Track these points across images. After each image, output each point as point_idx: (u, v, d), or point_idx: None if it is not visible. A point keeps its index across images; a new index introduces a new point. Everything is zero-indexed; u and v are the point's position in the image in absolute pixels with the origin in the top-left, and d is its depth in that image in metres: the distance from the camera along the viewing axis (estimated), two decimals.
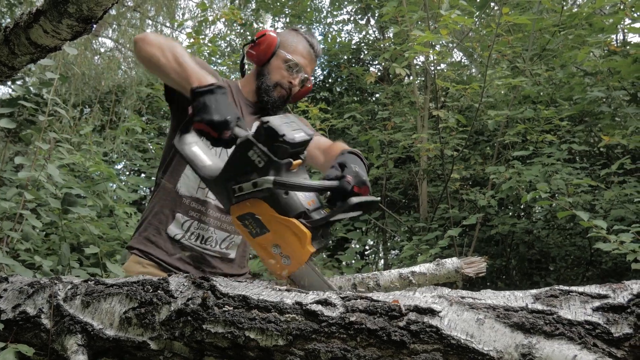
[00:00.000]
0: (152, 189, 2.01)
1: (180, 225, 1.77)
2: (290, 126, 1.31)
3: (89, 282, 1.44)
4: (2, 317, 1.46)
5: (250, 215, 1.33)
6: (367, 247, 7.35)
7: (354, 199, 1.26)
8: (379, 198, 1.54)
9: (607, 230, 2.90)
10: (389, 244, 6.40)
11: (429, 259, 3.45)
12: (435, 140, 4.42)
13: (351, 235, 5.24)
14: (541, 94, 4.40)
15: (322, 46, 7.87)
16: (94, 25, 1.32)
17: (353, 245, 5.48)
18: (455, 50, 7.00)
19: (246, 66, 2.07)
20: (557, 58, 4.42)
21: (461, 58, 7.84)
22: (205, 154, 1.46)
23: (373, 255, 7.40)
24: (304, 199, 1.33)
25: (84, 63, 6.84)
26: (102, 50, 10.17)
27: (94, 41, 10.08)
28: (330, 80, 8.08)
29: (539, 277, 5.81)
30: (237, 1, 7.71)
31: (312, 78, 2.01)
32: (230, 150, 1.36)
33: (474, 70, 6.96)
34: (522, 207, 5.33)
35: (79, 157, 3.29)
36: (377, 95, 6.62)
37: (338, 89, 7.82)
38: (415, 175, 5.31)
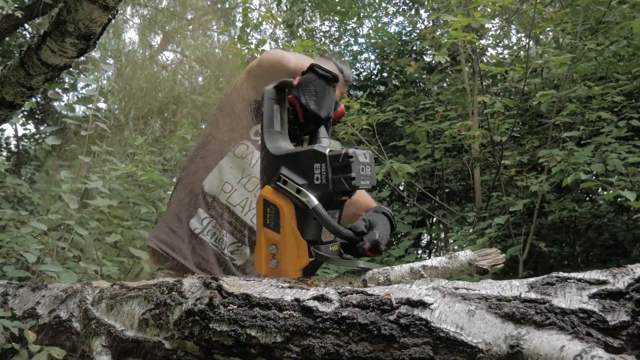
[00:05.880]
0: (179, 175, 2.05)
1: (201, 220, 1.83)
2: (364, 170, 1.31)
3: (114, 286, 1.51)
4: (40, 321, 1.57)
5: (275, 208, 1.35)
6: (433, 241, 7.22)
7: (361, 265, 1.33)
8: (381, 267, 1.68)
9: None
10: (449, 234, 6.25)
11: (478, 249, 3.33)
12: (483, 126, 4.26)
13: (403, 229, 5.17)
14: (597, 70, 4.12)
15: (373, 40, 7.81)
16: (97, 42, 1.38)
17: (409, 240, 5.39)
18: (513, 31, 6.72)
19: None
20: (613, 31, 4.13)
21: (520, 39, 7.51)
22: (280, 120, 1.46)
23: (437, 250, 7.25)
24: (325, 229, 1.36)
25: (142, 77, 7.18)
26: (168, 62, 10.62)
27: (159, 56, 10.57)
28: (384, 74, 7.99)
29: (615, 263, 5.48)
30: (283, 3, 7.80)
31: (342, 103, 1.99)
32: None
33: (540, 51, 6.65)
34: (580, 190, 5.03)
35: (131, 167, 3.46)
36: (426, 85, 6.48)
37: (394, 82, 7.71)
38: (467, 163, 5.15)
